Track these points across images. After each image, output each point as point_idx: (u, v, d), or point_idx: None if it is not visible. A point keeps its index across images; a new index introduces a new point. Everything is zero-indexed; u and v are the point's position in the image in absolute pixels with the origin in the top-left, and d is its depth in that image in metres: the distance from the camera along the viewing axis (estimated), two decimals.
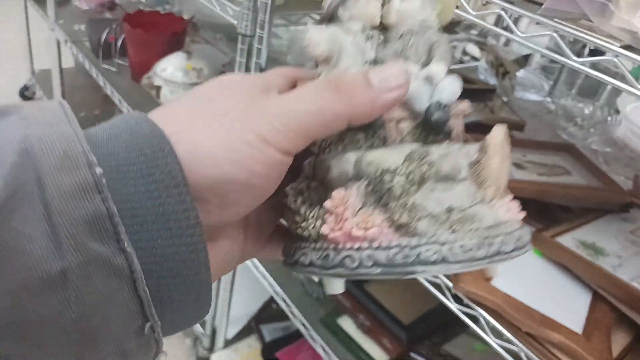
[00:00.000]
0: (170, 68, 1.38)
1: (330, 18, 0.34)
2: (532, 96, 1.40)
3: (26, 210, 0.20)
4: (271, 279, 1.14)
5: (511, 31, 0.60)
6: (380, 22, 0.35)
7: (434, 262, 0.26)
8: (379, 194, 0.28)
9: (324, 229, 0.28)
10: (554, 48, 0.58)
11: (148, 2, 1.82)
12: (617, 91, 1.28)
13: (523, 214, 0.30)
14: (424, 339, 1.05)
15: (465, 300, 0.72)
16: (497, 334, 0.70)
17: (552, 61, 1.39)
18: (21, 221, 0.20)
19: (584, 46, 1.27)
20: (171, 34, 1.46)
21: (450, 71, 0.33)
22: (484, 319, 0.71)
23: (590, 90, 1.31)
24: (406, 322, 1.04)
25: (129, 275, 0.22)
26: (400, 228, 0.27)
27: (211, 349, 1.43)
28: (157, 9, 1.73)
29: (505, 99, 1.28)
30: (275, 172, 0.27)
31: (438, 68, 0.32)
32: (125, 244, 0.22)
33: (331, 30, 0.33)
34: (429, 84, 0.32)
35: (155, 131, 0.24)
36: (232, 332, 1.43)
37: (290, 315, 1.07)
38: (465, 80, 1.21)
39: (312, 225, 0.29)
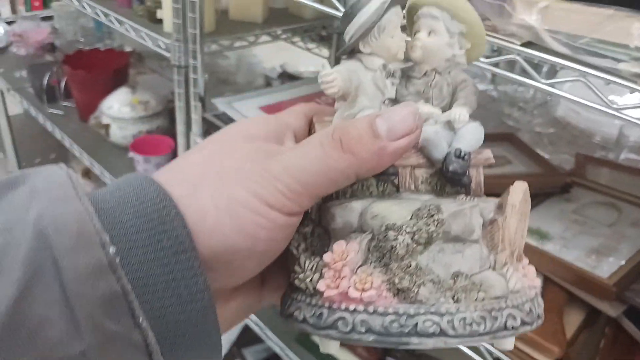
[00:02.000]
0: (116, 105, 1.37)
1: (351, 51, 0.31)
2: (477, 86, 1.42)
3: (45, 294, 0.21)
4: None
5: None
6: (405, 58, 0.32)
7: (432, 335, 0.25)
8: (382, 251, 0.26)
9: (320, 285, 0.27)
10: None
11: (88, 40, 1.80)
12: (554, 70, 1.31)
13: (539, 282, 0.29)
14: None
15: None
16: None
17: None
18: (41, 305, 0.21)
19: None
20: (113, 70, 1.45)
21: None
22: None
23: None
24: None
25: (144, 348, 0.23)
26: (400, 292, 0.26)
27: None
28: (97, 45, 1.72)
29: None
30: (281, 235, 0.26)
31: (461, 112, 0.30)
32: (140, 319, 0.22)
33: (350, 66, 0.31)
34: (449, 129, 0.30)
35: (162, 195, 0.24)
36: None
37: (265, 338, 1.07)
38: None
39: (310, 278, 0.27)
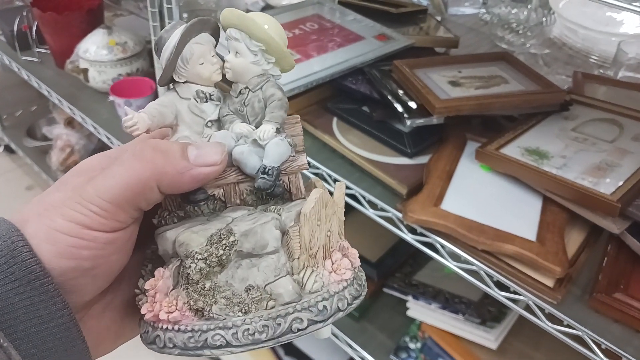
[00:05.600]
0: (92, 48, 1.31)
1: (172, 80, 0.34)
2: (467, 10, 1.36)
3: None
4: None
5: None
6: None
7: (219, 347, 0.28)
8: (184, 276, 0.30)
9: (142, 309, 0.30)
10: None
11: None
12: None
13: (349, 274, 0.31)
14: (394, 272, 1.05)
15: (420, 229, 0.72)
16: (455, 257, 0.70)
17: None
18: None
19: None
20: (87, 10, 1.37)
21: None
22: (440, 244, 0.70)
23: None
24: (374, 259, 1.04)
25: None
26: (197, 312, 0.29)
27: None
28: None
29: (439, 17, 1.24)
30: (110, 250, 0.29)
31: (265, 129, 0.32)
32: (1, 341, 0.25)
33: (164, 99, 0.34)
34: (259, 145, 0.33)
35: (10, 231, 0.27)
36: None
37: None
38: (396, 4, 1.16)
39: (142, 300, 0.31)
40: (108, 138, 1.28)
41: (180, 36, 0.32)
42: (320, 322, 0.29)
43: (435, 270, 1.04)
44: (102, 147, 1.61)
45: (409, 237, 0.73)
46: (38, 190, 1.84)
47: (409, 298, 0.98)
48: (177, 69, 0.33)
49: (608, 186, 0.66)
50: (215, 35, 0.35)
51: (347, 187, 0.79)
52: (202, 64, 0.33)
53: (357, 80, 0.90)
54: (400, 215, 0.72)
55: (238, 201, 0.33)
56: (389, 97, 0.82)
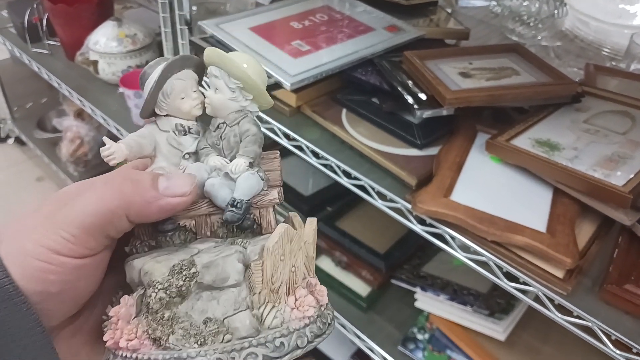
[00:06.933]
0: (102, 40, 1.31)
1: (151, 114, 0.36)
2: (478, 2, 1.36)
3: None
4: None
5: None
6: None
7: None
8: (146, 305, 0.30)
9: (105, 336, 0.31)
10: None
11: None
12: None
13: (312, 311, 0.31)
14: (403, 264, 1.05)
15: (429, 220, 0.71)
16: (465, 248, 0.70)
17: None
18: None
19: None
20: (97, 3, 1.38)
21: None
22: (449, 235, 0.70)
23: None
24: (382, 251, 1.04)
25: None
26: (155, 341, 0.29)
27: None
28: None
29: (449, 10, 1.24)
30: (77, 276, 0.29)
31: (237, 163, 0.34)
32: None
33: (144, 131, 0.35)
34: (230, 179, 0.34)
35: None
36: None
37: None
38: None
39: (106, 327, 0.31)
40: (117, 130, 1.29)
41: (162, 72, 0.34)
42: (277, 358, 0.29)
43: (443, 262, 1.04)
44: (112, 138, 1.62)
45: (418, 228, 0.73)
46: (48, 182, 1.85)
47: (417, 289, 0.98)
48: (159, 102, 0.35)
49: (620, 178, 0.65)
50: (199, 71, 0.37)
51: (357, 179, 0.79)
52: (182, 98, 0.35)
53: (367, 71, 0.89)
54: (409, 206, 0.72)
55: (209, 233, 0.34)
56: (399, 89, 0.82)
